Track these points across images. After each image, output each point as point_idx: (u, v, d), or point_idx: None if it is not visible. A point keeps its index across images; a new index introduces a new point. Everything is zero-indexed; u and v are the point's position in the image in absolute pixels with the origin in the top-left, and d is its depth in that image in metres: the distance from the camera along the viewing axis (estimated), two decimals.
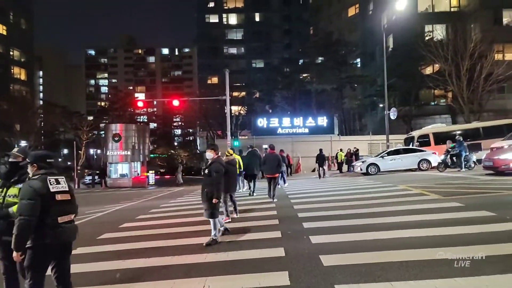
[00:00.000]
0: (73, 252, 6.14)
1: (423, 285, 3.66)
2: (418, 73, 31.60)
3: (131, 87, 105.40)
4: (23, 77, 55.15)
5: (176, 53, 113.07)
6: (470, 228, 5.78)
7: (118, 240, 7.15)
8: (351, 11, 47.94)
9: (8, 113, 39.85)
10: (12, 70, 53.00)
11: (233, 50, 68.06)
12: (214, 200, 6.15)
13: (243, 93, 50.34)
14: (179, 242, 6.44)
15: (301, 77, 45.71)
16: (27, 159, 3.54)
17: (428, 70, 32.05)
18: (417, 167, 18.38)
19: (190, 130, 79.55)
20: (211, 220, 6.20)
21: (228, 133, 24.39)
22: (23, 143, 37.74)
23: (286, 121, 29.97)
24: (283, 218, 8.02)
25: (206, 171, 6.44)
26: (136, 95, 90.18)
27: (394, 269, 4.11)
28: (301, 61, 48.86)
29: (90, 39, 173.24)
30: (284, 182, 16.23)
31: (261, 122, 30.14)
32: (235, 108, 44.88)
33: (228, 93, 24.47)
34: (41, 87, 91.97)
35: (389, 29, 32.07)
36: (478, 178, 12.56)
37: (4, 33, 51.04)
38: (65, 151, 54.59)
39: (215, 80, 58.10)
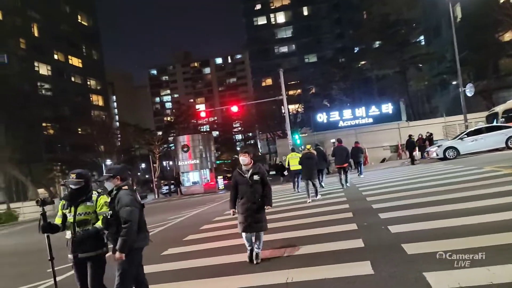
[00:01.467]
0: (165, 252, 6.86)
1: None
2: (494, 42, 28.44)
3: (191, 100, 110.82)
4: (100, 103, 61.21)
5: (229, 60, 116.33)
6: None
7: (201, 240, 7.67)
8: None
9: (92, 136, 44.57)
10: (91, 98, 59.14)
11: (284, 49, 67.95)
12: (266, 207, 5.25)
13: (299, 91, 50.03)
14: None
15: (358, 66, 44.05)
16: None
17: (507, 37, 28.69)
18: (504, 145, 16.59)
19: (250, 134, 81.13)
20: (262, 233, 5.33)
21: (288, 132, 24.48)
22: (108, 162, 41.89)
23: (347, 113, 29.12)
24: (357, 210, 7.90)
25: (256, 177, 5.15)
26: (197, 106, 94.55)
27: (488, 254, 3.84)
28: (356, 49, 47.11)
29: (151, 59, 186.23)
30: (361, 173, 16.17)
31: (321, 117, 29.69)
32: (292, 107, 44.79)
33: (284, 92, 24.57)
34: (115, 110, 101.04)
35: None
36: None
37: (81, 65, 57.22)
38: (142, 165, 59.21)
39: (269, 81, 58.60)
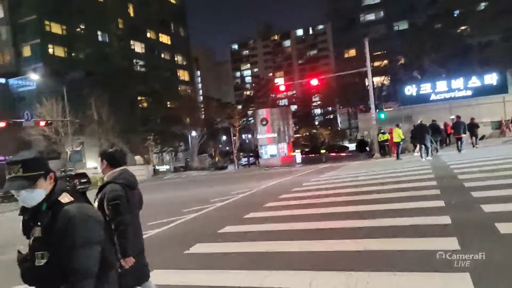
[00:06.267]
0: (248, 216, 7.38)
1: None
2: None
3: (271, 74, 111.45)
4: (186, 78, 65.36)
5: (310, 32, 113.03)
6: None
7: (280, 207, 8.05)
8: None
9: (179, 109, 48.18)
10: (178, 73, 63.45)
11: (371, 17, 63.21)
12: None
13: (385, 62, 46.63)
14: (336, 210, 6.80)
15: (456, 32, 39.19)
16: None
17: None
18: None
19: (330, 109, 79.06)
20: None
21: (372, 106, 23.30)
22: (193, 134, 45.13)
23: (441, 85, 26.37)
24: (446, 188, 7.42)
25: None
26: (276, 80, 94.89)
27: None
28: (455, 12, 41.80)
29: (232, 34, 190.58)
30: (461, 149, 15.77)
31: (410, 90, 27.44)
32: (376, 79, 42.10)
33: (369, 64, 23.23)
34: (199, 85, 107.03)
35: None
36: None
37: (169, 42, 61.34)
38: (223, 138, 62.46)
39: (352, 53, 55.61)
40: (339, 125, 67.28)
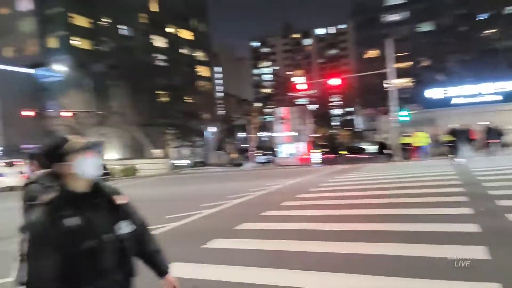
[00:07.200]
0: (264, 214, 7.34)
1: None
2: None
3: (289, 72, 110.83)
4: (205, 73, 65.72)
5: (331, 31, 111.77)
6: None
7: (297, 207, 7.98)
8: None
9: (197, 105, 48.57)
10: (197, 69, 63.87)
11: (394, 17, 61.97)
12: None
13: (408, 64, 45.67)
14: (354, 212, 6.67)
15: (482, 35, 37.97)
16: None
17: None
18: None
19: (348, 109, 78.12)
20: None
21: (393, 108, 22.83)
22: (211, 129, 45.39)
23: (467, 89, 25.57)
24: (471, 194, 7.18)
25: None
26: (294, 79, 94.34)
27: None
28: (482, 16, 40.48)
29: (252, 31, 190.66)
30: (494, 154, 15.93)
31: (433, 92, 26.80)
32: (398, 81, 41.23)
33: (391, 65, 22.76)
34: (217, 81, 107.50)
35: None
36: None
37: (190, 38, 61.78)
38: (240, 134, 62.59)
39: (373, 53, 54.67)
40: (357, 126, 66.30)
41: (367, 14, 61.27)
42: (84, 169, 1.54)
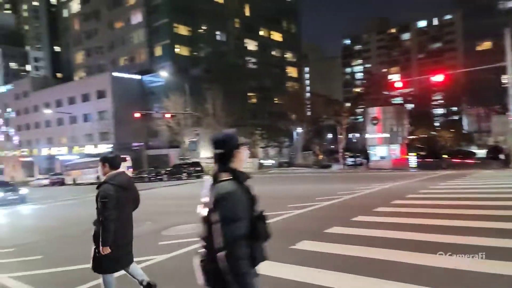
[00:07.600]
0: (356, 218, 6.94)
1: None
2: None
3: (384, 69, 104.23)
4: (295, 74, 65.86)
5: (435, 23, 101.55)
6: None
7: (392, 214, 7.38)
8: None
9: (286, 105, 48.89)
10: (287, 70, 64.39)
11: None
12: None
13: None
14: (455, 223, 5.89)
15: None
16: None
17: None
18: None
19: (454, 109, 69.95)
20: None
21: (511, 107, 19.61)
22: (298, 130, 45.34)
23: None
24: None
25: None
26: (390, 76, 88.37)
27: None
28: None
29: (345, 28, 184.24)
30: None
31: None
32: None
33: (510, 57, 19.56)
34: (307, 81, 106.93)
35: None
36: None
37: (280, 39, 62.57)
38: (329, 135, 61.13)
39: (486, 45, 47.99)
40: (465, 128, 59.00)
41: (478, 1, 54.11)
42: (245, 157, 2.01)
